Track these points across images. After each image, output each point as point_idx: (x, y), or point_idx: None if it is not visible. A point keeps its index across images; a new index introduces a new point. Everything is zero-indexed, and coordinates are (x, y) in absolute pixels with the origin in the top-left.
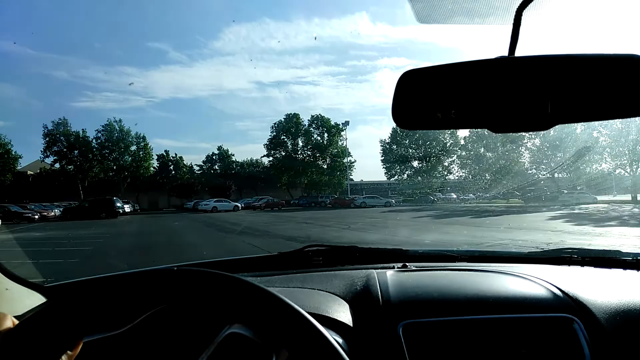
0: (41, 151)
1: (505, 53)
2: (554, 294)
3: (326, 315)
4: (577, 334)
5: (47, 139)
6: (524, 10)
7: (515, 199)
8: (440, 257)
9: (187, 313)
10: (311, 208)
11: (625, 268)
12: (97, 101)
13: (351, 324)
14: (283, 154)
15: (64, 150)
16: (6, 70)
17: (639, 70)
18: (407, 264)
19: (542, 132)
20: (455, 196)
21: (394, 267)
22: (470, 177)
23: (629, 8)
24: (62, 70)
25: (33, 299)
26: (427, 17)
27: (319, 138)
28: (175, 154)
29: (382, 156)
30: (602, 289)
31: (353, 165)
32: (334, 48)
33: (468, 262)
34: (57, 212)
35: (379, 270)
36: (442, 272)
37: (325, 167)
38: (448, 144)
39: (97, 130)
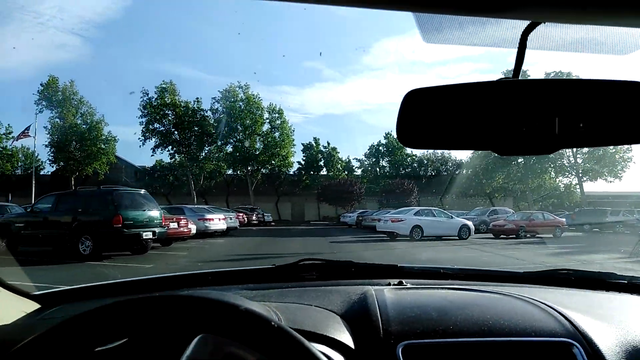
0: (142, 131)
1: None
2: (553, 317)
3: (326, 335)
4: (576, 359)
5: (145, 112)
6: (529, 35)
7: None
8: (436, 274)
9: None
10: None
11: (620, 291)
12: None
13: (352, 345)
14: None
15: (171, 129)
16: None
17: None
18: (402, 280)
19: None
20: None
21: (389, 284)
22: None
23: (635, 37)
24: None
25: (26, 306)
26: (433, 38)
27: None
28: (328, 143)
29: None
30: (598, 313)
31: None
32: (489, 55)
33: (463, 280)
34: None
35: (376, 287)
36: (439, 290)
37: (565, 162)
38: None
39: (213, 98)
